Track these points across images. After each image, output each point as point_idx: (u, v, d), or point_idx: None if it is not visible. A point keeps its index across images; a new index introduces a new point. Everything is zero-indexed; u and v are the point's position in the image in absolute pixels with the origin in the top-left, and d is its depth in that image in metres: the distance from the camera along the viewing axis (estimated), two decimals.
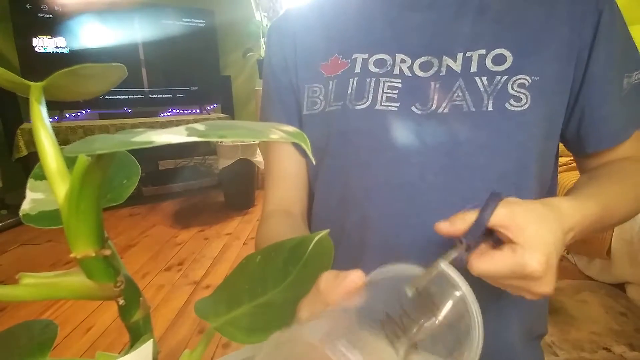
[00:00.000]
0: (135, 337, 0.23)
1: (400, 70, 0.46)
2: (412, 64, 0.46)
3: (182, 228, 2.52)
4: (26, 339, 0.24)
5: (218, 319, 0.27)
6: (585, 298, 1.58)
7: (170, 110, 3.16)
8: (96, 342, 1.41)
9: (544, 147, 0.45)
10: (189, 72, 3.06)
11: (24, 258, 2.11)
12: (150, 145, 0.12)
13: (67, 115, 2.82)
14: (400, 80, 0.46)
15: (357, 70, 0.48)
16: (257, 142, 2.69)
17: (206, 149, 3.03)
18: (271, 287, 0.28)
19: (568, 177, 1.76)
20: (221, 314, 0.27)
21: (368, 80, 0.47)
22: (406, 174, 0.45)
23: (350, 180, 0.48)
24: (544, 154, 0.45)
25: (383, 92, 0.46)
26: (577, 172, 1.92)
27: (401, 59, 0.46)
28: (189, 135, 0.12)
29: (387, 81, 0.46)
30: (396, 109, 0.45)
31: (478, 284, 0.45)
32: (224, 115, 3.18)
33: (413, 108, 0.45)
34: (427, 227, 0.44)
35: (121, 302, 0.21)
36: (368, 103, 0.46)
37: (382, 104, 0.45)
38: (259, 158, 2.69)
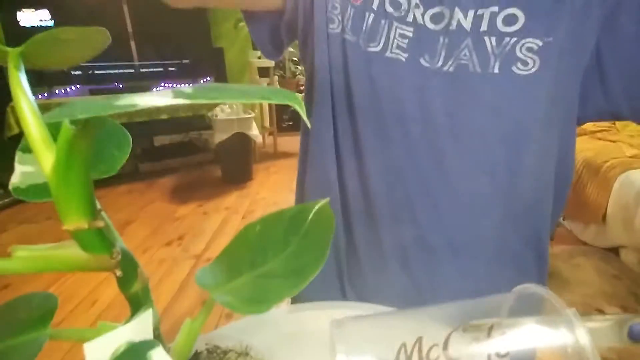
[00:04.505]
0: (136, 308, 0.23)
1: (414, 17, 0.45)
2: (425, 12, 0.44)
3: (181, 203, 2.53)
4: (26, 312, 0.24)
5: (218, 288, 0.27)
6: (579, 262, 1.61)
7: (163, 84, 3.10)
8: (101, 315, 1.44)
9: (551, 112, 0.43)
10: (180, 44, 2.99)
11: (24, 237, 2.12)
12: (134, 109, 0.11)
13: (57, 92, 2.76)
14: (412, 29, 0.44)
15: (374, 6, 0.46)
16: (252, 115, 2.65)
17: (201, 124, 3.00)
18: (271, 257, 0.28)
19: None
20: (221, 283, 0.27)
21: (382, 22, 0.45)
22: (406, 129, 0.44)
23: (346, 125, 0.48)
24: (551, 118, 0.44)
25: (394, 38, 0.45)
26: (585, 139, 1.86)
27: (415, 3, 0.45)
28: (175, 97, 0.11)
29: (400, 27, 0.45)
30: (404, 59, 0.44)
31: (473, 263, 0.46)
32: None
33: (421, 60, 0.44)
34: (423, 183, 0.45)
35: (118, 273, 0.21)
36: (380, 47, 0.45)
37: (393, 51, 0.45)
38: (255, 132, 2.67)
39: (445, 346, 0.26)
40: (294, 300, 0.58)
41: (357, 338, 0.28)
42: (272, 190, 2.74)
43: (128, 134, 0.25)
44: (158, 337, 0.24)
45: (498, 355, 0.26)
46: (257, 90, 0.14)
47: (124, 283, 0.22)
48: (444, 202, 0.45)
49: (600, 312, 1.33)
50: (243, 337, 0.32)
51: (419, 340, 0.26)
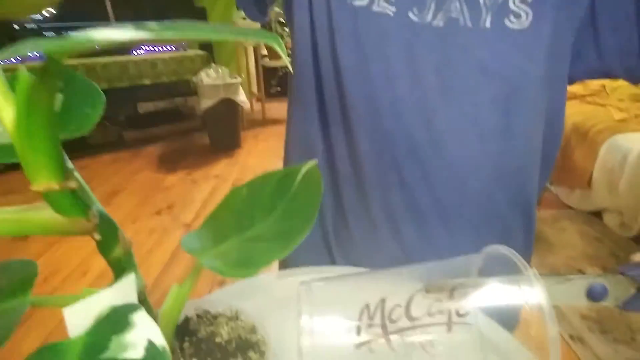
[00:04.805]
0: (119, 273, 0.22)
1: None
2: None
3: (169, 172, 2.50)
4: (6, 280, 0.23)
5: (205, 253, 0.26)
6: (564, 226, 1.66)
7: (143, 47, 2.96)
8: (93, 285, 1.45)
9: (545, 70, 0.42)
10: (160, 3, 2.83)
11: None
12: (91, 45, 0.10)
13: (30, 55, 2.62)
14: None
15: None
16: (239, 80, 2.58)
17: (187, 90, 2.91)
18: (258, 221, 0.28)
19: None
20: (208, 248, 0.27)
21: None
22: (394, 88, 0.43)
23: (331, 86, 0.47)
24: (545, 77, 0.42)
25: None
26: (573, 103, 1.87)
27: None
28: (137, 31, 0.10)
29: None
30: (392, 14, 0.42)
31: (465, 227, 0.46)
32: (201, 52, 3.01)
33: (410, 14, 0.42)
34: (411, 144, 0.44)
35: (97, 237, 0.20)
36: (367, 0, 0.43)
37: (380, 4, 0.42)
38: (242, 98, 2.60)
39: (408, 307, 0.27)
40: (282, 267, 0.58)
41: (323, 300, 0.29)
42: (261, 158, 2.71)
43: (100, 91, 0.23)
44: (144, 301, 0.24)
45: (458, 314, 0.26)
46: (230, 28, 0.13)
47: (104, 247, 0.21)
48: (432, 163, 0.44)
49: (582, 273, 1.39)
50: (233, 302, 0.32)
51: (382, 301, 0.27)
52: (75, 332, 0.17)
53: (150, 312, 0.24)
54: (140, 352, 0.14)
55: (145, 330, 0.15)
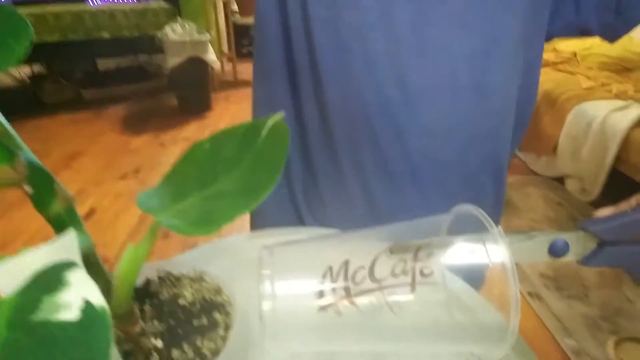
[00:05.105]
0: (60, 231, 0.20)
1: None
2: None
3: (135, 134, 2.39)
4: None
5: (164, 211, 0.24)
6: (529, 191, 1.74)
7: None
8: None
9: (524, 25, 0.41)
10: None
11: None
12: None
13: None
14: None
15: None
16: (207, 37, 2.44)
17: (151, 46, 2.72)
18: (222, 176, 0.26)
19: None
20: (167, 206, 0.25)
21: None
22: (366, 42, 0.41)
23: (300, 39, 0.44)
24: (523, 32, 0.41)
25: None
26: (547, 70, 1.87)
27: None
28: None
29: None
30: None
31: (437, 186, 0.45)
32: (166, 4, 2.80)
33: None
34: (384, 103, 0.42)
35: (29, 190, 0.17)
36: None
37: None
38: (212, 56, 2.47)
39: (371, 268, 0.26)
40: (252, 229, 0.57)
41: (285, 263, 0.28)
42: (233, 121, 2.63)
43: (26, 21, 0.19)
44: (93, 262, 0.22)
45: (422, 274, 0.26)
46: None
47: (39, 202, 0.19)
48: (404, 121, 0.43)
49: None
50: (199, 264, 0.30)
51: (346, 263, 0.26)
52: (7, 293, 0.15)
53: (100, 272, 0.23)
54: (75, 312, 0.13)
55: (81, 290, 0.13)
